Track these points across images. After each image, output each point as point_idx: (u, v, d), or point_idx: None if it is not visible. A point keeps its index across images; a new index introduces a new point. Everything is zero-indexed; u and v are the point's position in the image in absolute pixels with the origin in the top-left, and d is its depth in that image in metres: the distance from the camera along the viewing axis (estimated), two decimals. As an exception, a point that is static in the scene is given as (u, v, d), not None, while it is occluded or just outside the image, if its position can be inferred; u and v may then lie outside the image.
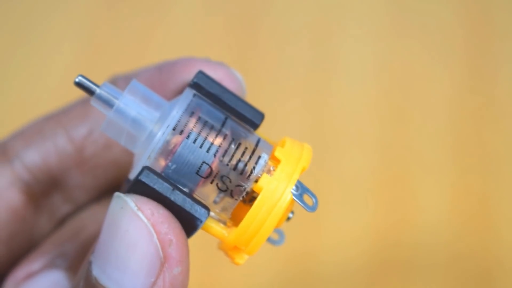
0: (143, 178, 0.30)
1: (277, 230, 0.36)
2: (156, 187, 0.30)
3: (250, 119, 0.33)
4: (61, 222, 0.40)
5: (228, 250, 0.32)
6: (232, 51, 0.73)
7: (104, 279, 0.31)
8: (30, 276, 0.38)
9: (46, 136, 0.39)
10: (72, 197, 0.40)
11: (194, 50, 0.71)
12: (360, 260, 0.65)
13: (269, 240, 0.36)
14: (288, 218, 0.34)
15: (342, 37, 0.75)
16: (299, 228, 0.66)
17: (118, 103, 0.32)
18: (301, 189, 0.32)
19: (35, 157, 0.39)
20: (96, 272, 0.31)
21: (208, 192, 0.32)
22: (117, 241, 0.30)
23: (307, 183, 0.67)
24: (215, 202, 0.32)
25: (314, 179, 0.68)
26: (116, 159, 0.39)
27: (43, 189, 0.39)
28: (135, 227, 0.30)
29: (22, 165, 0.39)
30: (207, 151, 0.31)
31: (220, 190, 0.31)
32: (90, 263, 0.31)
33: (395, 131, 0.70)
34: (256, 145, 0.32)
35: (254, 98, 0.70)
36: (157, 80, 0.37)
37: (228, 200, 0.32)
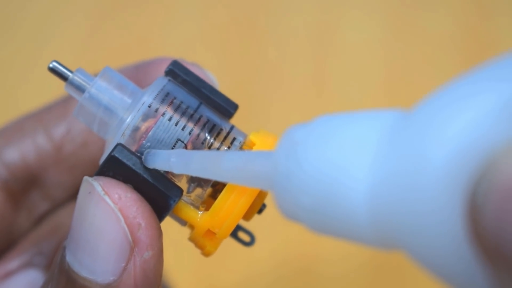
0: (116, 153, 0.30)
1: (247, 232, 0.36)
2: (129, 163, 0.30)
3: (225, 107, 0.33)
4: (40, 220, 0.40)
5: (200, 236, 0.32)
6: (232, 51, 0.74)
7: (76, 266, 0.30)
8: (7, 275, 0.38)
9: (25, 134, 0.39)
10: (50, 195, 0.40)
11: (194, 50, 0.72)
12: (361, 259, 0.65)
13: (241, 241, 0.36)
14: (260, 211, 0.34)
15: (342, 37, 0.75)
16: (299, 227, 0.66)
17: (89, 88, 0.32)
18: None
19: (14, 155, 0.39)
20: (69, 258, 0.31)
21: (183, 175, 0.32)
22: (86, 227, 0.30)
23: None
24: (188, 191, 0.32)
25: None
26: (94, 157, 0.39)
27: (21, 187, 0.39)
28: (102, 212, 0.30)
29: (1, 163, 0.39)
30: (182, 129, 0.31)
31: None
32: (64, 248, 0.31)
33: None
34: (231, 129, 0.33)
35: (254, 97, 0.71)
36: (134, 78, 0.37)
37: (202, 181, 0.32)
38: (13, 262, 0.38)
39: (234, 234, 0.36)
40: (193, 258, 0.62)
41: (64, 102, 0.40)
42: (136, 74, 0.38)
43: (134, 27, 0.75)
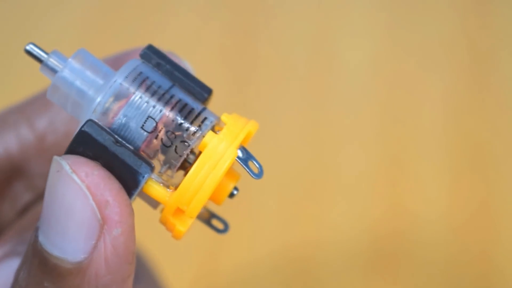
0: (86, 128, 0.31)
1: (221, 219, 0.37)
2: (99, 138, 0.31)
3: (198, 90, 0.33)
4: (24, 210, 0.41)
5: (169, 215, 0.32)
6: (230, 56, 0.75)
7: (48, 245, 0.31)
8: None
9: (8, 126, 0.40)
10: (34, 185, 0.40)
11: (191, 56, 0.72)
12: (358, 252, 0.66)
13: (214, 228, 0.37)
14: (232, 195, 0.34)
15: (342, 40, 0.76)
16: (298, 218, 0.66)
17: (62, 68, 0.33)
18: (247, 155, 0.32)
19: None
20: (41, 238, 0.31)
21: (155, 154, 0.32)
22: (56, 206, 0.30)
23: (306, 175, 0.68)
24: (160, 172, 0.32)
25: (313, 173, 0.69)
26: None
27: (5, 178, 0.40)
28: (71, 190, 0.30)
29: None
30: (153, 107, 0.32)
31: (164, 145, 0.32)
32: (36, 229, 0.32)
33: (394, 128, 0.71)
34: (202, 110, 0.33)
35: (253, 98, 0.72)
36: (114, 69, 0.38)
37: (172, 159, 0.32)
38: None
39: (208, 222, 0.37)
40: (192, 256, 0.62)
41: (46, 94, 0.40)
42: (116, 65, 0.38)
43: (133, 24, 0.76)
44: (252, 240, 0.64)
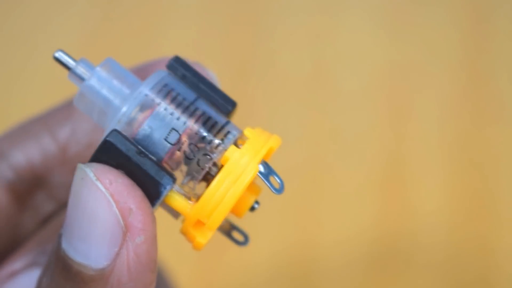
0: (110, 138, 0.31)
1: (242, 232, 0.37)
2: (122, 148, 0.31)
3: (223, 103, 0.34)
4: (45, 220, 0.41)
5: (190, 226, 0.32)
6: (230, 57, 0.75)
7: (71, 252, 0.31)
8: (12, 275, 0.39)
9: (30, 136, 0.40)
10: (55, 195, 0.40)
11: (192, 53, 0.73)
12: (359, 253, 0.66)
13: (235, 240, 0.37)
14: (253, 208, 0.34)
15: (342, 38, 0.76)
16: (298, 219, 0.66)
17: (90, 77, 0.33)
18: (268, 170, 0.32)
19: (20, 156, 0.39)
20: (64, 244, 0.31)
21: (177, 166, 0.32)
22: (79, 213, 0.31)
23: (309, 177, 0.68)
24: (182, 182, 0.32)
25: (312, 175, 0.69)
26: None
27: (27, 188, 0.40)
28: (94, 197, 0.30)
29: (7, 164, 0.39)
30: (178, 119, 0.32)
31: (187, 158, 0.32)
32: (60, 235, 0.32)
33: (393, 132, 0.71)
34: (225, 124, 0.33)
35: (254, 102, 0.72)
36: (140, 78, 0.38)
37: (195, 171, 0.32)
38: (18, 262, 0.39)
39: (228, 234, 0.37)
40: (193, 255, 0.62)
41: (69, 105, 0.40)
42: (141, 75, 0.38)
43: (134, 30, 0.76)
44: (253, 240, 0.64)
